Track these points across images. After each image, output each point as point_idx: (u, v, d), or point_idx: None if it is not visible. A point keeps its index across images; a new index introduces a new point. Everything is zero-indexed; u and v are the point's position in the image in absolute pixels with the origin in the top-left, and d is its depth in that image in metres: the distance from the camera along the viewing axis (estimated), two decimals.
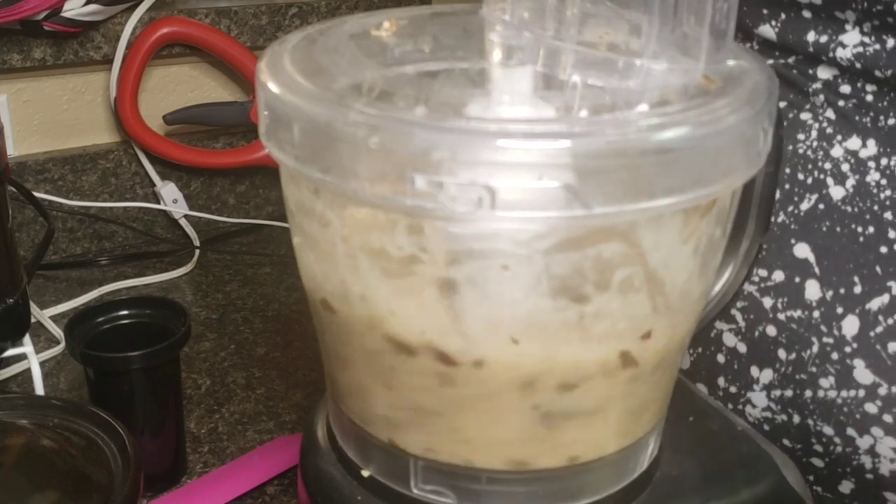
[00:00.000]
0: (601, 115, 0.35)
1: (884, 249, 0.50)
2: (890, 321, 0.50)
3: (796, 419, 0.53)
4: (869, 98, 0.50)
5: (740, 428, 0.48)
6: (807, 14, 0.51)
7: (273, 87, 0.37)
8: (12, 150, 0.91)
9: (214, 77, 0.99)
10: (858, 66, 0.49)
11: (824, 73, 0.52)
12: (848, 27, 0.49)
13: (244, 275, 0.92)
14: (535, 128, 0.33)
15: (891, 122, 0.50)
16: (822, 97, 0.52)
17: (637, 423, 0.42)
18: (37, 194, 0.86)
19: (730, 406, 0.56)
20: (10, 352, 0.66)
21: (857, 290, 0.50)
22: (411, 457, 0.41)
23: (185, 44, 0.94)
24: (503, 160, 0.32)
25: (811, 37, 0.51)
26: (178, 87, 0.98)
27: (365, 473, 0.43)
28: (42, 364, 0.71)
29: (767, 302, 0.53)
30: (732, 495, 0.45)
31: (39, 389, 0.65)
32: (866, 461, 0.51)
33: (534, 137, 0.33)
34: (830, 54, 0.50)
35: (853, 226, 0.51)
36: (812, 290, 0.52)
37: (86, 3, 0.84)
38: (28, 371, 0.67)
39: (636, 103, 0.36)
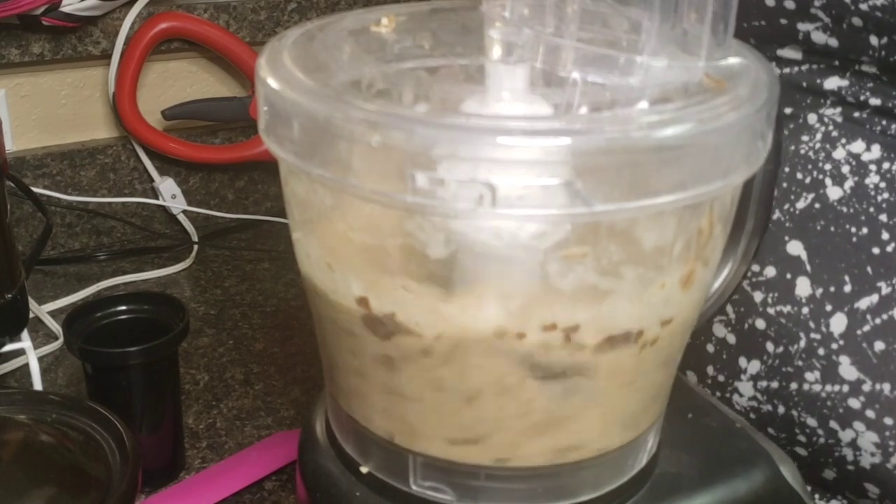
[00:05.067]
0: (601, 113, 0.35)
1: (876, 251, 0.50)
2: (877, 320, 0.50)
3: (781, 410, 0.55)
4: (877, 103, 0.51)
5: (738, 425, 0.48)
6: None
7: (272, 82, 0.37)
8: (10, 145, 0.91)
9: (213, 72, 0.99)
10: (885, 78, 0.50)
11: (840, 81, 0.52)
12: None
13: (243, 270, 0.92)
14: (535, 125, 0.33)
15: None
16: (831, 108, 0.53)
17: (636, 420, 0.42)
18: (35, 189, 0.86)
19: (717, 394, 0.58)
20: (9, 347, 0.66)
21: (847, 289, 0.51)
22: (410, 453, 0.41)
23: (183, 39, 0.94)
24: (504, 157, 0.32)
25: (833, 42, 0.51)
26: (176, 83, 0.98)
27: (363, 470, 0.43)
28: (40, 359, 0.71)
29: (758, 296, 0.54)
30: (730, 491, 0.45)
31: (38, 385, 0.65)
32: (848, 453, 0.53)
33: (534, 135, 0.32)
34: (855, 67, 0.51)
35: (847, 226, 0.51)
36: (802, 287, 0.53)
37: None
38: (26, 366, 0.67)
39: (636, 100, 0.36)
